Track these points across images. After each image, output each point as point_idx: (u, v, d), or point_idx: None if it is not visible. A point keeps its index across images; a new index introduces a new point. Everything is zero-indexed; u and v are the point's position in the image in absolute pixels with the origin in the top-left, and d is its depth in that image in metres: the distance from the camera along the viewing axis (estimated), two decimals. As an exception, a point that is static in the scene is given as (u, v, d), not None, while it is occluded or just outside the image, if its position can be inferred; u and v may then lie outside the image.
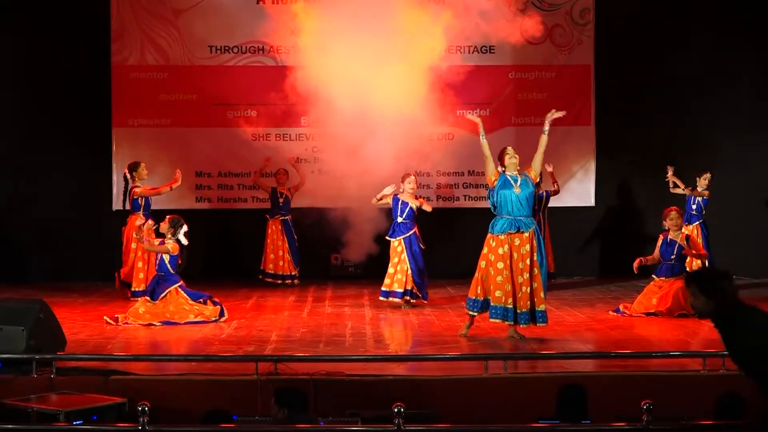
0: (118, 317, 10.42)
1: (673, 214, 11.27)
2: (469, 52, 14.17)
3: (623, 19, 14.20)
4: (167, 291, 10.52)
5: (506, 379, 7.68)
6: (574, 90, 14.47)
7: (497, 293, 9.33)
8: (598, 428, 6.33)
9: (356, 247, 13.46)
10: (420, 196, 12.08)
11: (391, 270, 11.58)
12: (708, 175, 13.02)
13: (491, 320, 9.44)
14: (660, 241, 11.24)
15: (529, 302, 9.31)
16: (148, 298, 10.59)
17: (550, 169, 13.30)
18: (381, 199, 11.79)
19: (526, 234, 9.33)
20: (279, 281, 13.46)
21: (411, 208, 11.63)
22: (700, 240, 12.81)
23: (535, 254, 9.33)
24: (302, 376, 7.47)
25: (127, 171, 12.35)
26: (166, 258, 10.59)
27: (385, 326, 10.53)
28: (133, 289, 11.81)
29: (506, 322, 9.38)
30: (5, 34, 14.05)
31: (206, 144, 14.25)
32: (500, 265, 9.31)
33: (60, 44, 14.04)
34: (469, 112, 9.74)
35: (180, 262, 10.63)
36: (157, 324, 10.29)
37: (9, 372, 7.70)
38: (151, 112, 14.23)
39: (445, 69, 12.68)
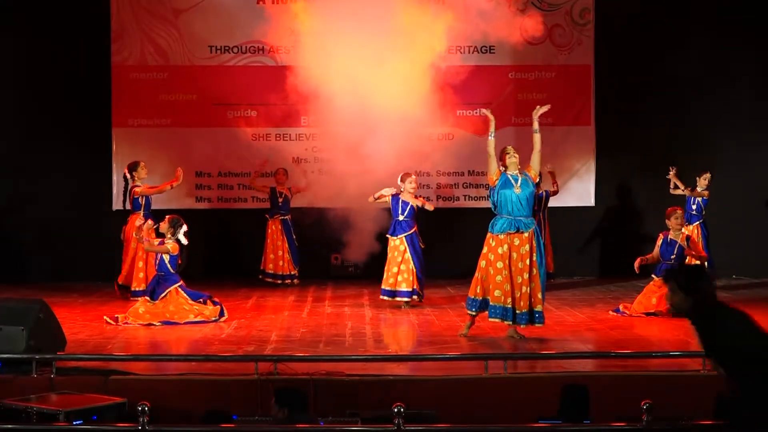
0: (117, 317, 10.42)
1: (679, 212, 11.28)
2: (469, 52, 14.17)
3: (623, 19, 14.20)
4: (167, 291, 10.52)
5: (506, 379, 7.68)
6: (574, 90, 14.47)
7: (496, 293, 9.33)
8: (598, 428, 6.33)
9: (356, 247, 13.45)
10: (420, 196, 12.07)
11: (394, 269, 11.56)
12: (708, 176, 13.02)
13: (490, 320, 9.44)
14: (660, 241, 11.23)
15: (528, 302, 9.31)
16: (147, 298, 10.59)
17: (550, 169, 13.30)
18: (378, 198, 11.78)
19: (526, 234, 9.33)
20: (279, 281, 13.46)
21: (412, 206, 11.63)
22: (699, 240, 12.82)
23: (534, 254, 9.33)
24: (302, 376, 7.47)
25: (126, 171, 12.37)
26: (166, 258, 10.59)
27: (385, 326, 10.52)
28: (133, 289, 11.82)
29: (505, 322, 9.38)
30: (5, 34, 14.05)
31: (206, 144, 14.25)
32: (500, 264, 9.31)
33: (60, 44, 14.04)
34: (483, 110, 9.70)
35: (180, 262, 10.63)
36: (157, 324, 10.29)
37: (9, 372, 7.70)
38: (151, 112, 14.23)
39: (445, 69, 12.70)
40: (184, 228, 10.69)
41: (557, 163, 13.69)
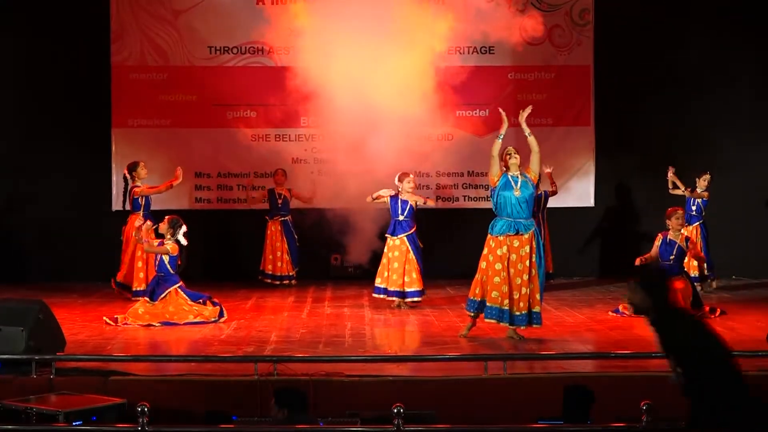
0: (117, 318, 10.42)
1: (680, 213, 11.27)
2: (468, 53, 14.16)
3: (623, 19, 14.20)
4: (167, 292, 10.52)
5: (506, 379, 7.68)
6: (573, 90, 14.47)
7: (493, 294, 9.35)
8: (598, 428, 6.33)
9: (356, 248, 13.45)
10: (419, 194, 12.06)
11: (400, 270, 11.54)
12: (707, 177, 13.02)
13: (486, 320, 9.46)
14: (659, 241, 11.22)
15: (527, 303, 9.32)
16: (147, 299, 10.59)
17: (549, 170, 13.30)
18: (376, 198, 11.78)
19: (526, 236, 9.34)
20: (277, 282, 13.47)
21: (411, 206, 11.63)
22: (699, 241, 12.82)
23: (533, 256, 9.34)
24: (302, 377, 7.48)
25: (126, 171, 12.37)
26: (166, 259, 10.59)
27: (385, 327, 10.52)
28: (134, 289, 11.82)
29: (501, 323, 9.40)
30: (5, 34, 14.05)
31: (206, 145, 14.25)
32: (498, 266, 9.32)
33: (60, 44, 14.04)
34: (500, 110, 9.68)
35: (179, 262, 10.63)
36: (157, 324, 10.29)
37: (8, 372, 7.70)
38: (150, 112, 14.23)
39: (444, 69, 12.69)
40: (184, 229, 10.69)
41: (557, 163, 13.68)
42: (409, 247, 11.57)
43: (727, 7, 14.25)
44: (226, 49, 14.24)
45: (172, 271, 10.60)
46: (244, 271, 13.90)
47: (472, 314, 9.54)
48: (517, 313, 9.33)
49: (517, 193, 9.34)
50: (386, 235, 11.79)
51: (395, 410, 6.03)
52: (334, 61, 12.27)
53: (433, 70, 12.28)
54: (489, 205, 9.65)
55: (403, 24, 12.17)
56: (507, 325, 9.39)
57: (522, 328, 9.40)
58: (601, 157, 14.52)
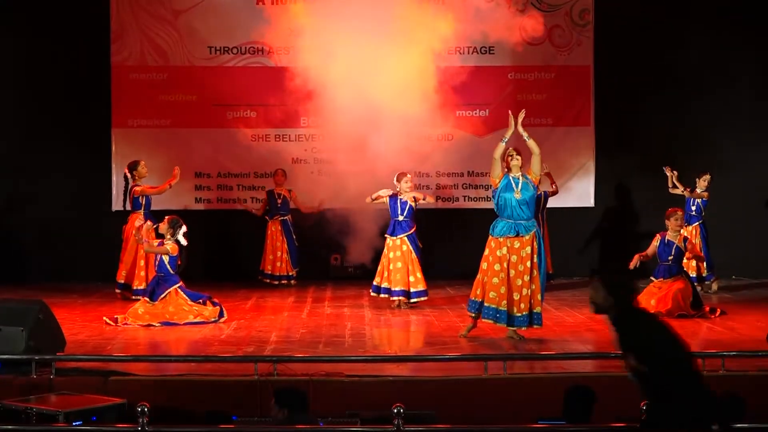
0: (117, 318, 10.42)
1: (679, 214, 11.28)
2: (468, 53, 14.16)
3: (623, 19, 14.19)
4: (167, 292, 10.52)
5: (505, 379, 7.69)
6: (573, 91, 14.47)
7: (491, 294, 9.38)
8: (598, 429, 6.33)
9: (356, 248, 13.45)
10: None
11: (404, 270, 11.53)
12: (707, 177, 13.01)
13: (483, 320, 9.48)
14: (657, 241, 11.23)
15: (528, 304, 9.33)
16: (147, 299, 10.59)
17: (545, 170, 13.27)
18: (376, 199, 11.78)
19: (527, 237, 9.36)
20: (276, 282, 13.47)
21: (411, 206, 11.63)
22: (698, 241, 12.82)
23: (534, 256, 9.36)
24: (302, 377, 7.48)
25: (127, 170, 12.36)
26: (166, 259, 10.59)
27: (385, 327, 10.52)
28: (134, 288, 11.82)
29: (498, 324, 9.42)
30: (5, 34, 14.05)
31: (206, 145, 14.25)
32: (497, 267, 9.34)
33: (60, 44, 14.04)
34: (510, 113, 9.67)
35: (179, 262, 10.63)
36: (157, 325, 10.29)
37: (8, 372, 7.70)
38: (150, 112, 14.23)
39: (444, 69, 12.68)
40: (184, 229, 10.69)
41: (557, 163, 13.68)
42: (411, 247, 11.58)
43: (726, 7, 14.25)
44: (226, 49, 14.24)
45: (171, 272, 10.60)
46: (244, 271, 13.91)
47: (473, 315, 9.55)
48: (518, 315, 9.33)
49: (517, 196, 9.36)
50: (386, 235, 11.79)
51: (395, 410, 6.03)
52: (334, 61, 12.27)
53: (433, 70, 12.28)
54: (489, 205, 9.67)
55: (403, 24, 12.17)
56: (503, 325, 9.41)
57: (523, 329, 9.40)
58: (601, 158, 14.52)
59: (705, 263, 12.64)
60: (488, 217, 9.65)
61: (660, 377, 5.04)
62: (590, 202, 14.61)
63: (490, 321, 9.43)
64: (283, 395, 6.36)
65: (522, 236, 9.35)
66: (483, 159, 13.80)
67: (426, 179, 14.15)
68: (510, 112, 9.69)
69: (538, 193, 12.97)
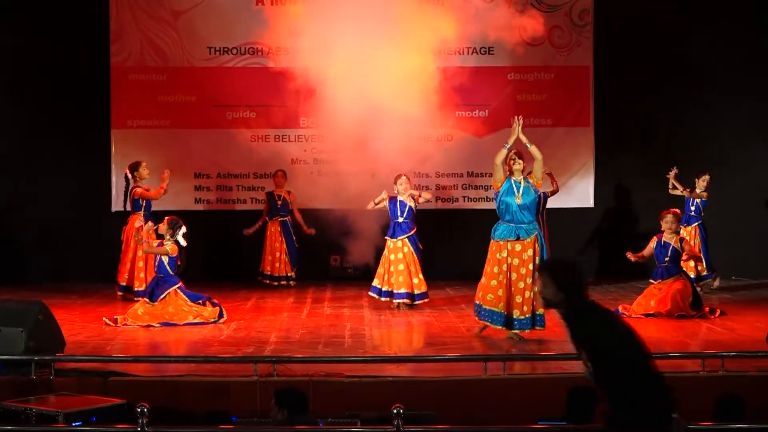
0: (117, 318, 10.42)
1: (669, 217, 11.27)
2: (468, 54, 14.16)
3: (622, 19, 14.20)
4: (166, 292, 10.52)
5: (505, 380, 7.68)
6: (573, 91, 14.47)
7: (488, 297, 9.45)
8: (599, 429, 6.32)
9: (355, 248, 13.44)
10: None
11: (406, 272, 11.51)
12: (707, 177, 13.02)
13: (479, 320, 9.52)
14: (653, 243, 11.25)
15: (531, 307, 9.34)
16: (147, 300, 10.59)
17: (546, 171, 13.27)
18: (378, 203, 11.78)
19: (528, 239, 9.40)
20: (275, 282, 13.47)
21: (410, 207, 11.63)
22: (698, 241, 12.83)
23: (537, 259, 9.40)
24: (301, 378, 7.48)
25: (128, 170, 12.35)
26: (165, 259, 10.58)
27: (384, 327, 10.52)
28: (135, 289, 11.81)
29: (494, 326, 9.44)
30: (5, 34, 14.04)
31: (205, 145, 14.24)
32: (496, 269, 9.40)
33: (60, 44, 14.04)
34: (517, 117, 9.67)
35: (179, 263, 10.62)
36: (156, 325, 10.29)
37: (8, 373, 7.70)
38: (150, 113, 14.23)
39: (444, 70, 12.69)
40: (183, 229, 10.68)
41: (556, 164, 13.65)
42: (412, 249, 11.57)
43: (726, 8, 14.25)
44: (226, 49, 14.24)
45: (171, 272, 10.60)
46: (244, 272, 13.91)
47: (478, 318, 9.63)
48: (521, 317, 9.35)
49: (518, 201, 9.44)
50: (386, 237, 11.78)
51: (395, 411, 6.03)
52: (334, 61, 12.28)
53: (432, 71, 12.28)
54: (489, 205, 9.73)
55: (402, 25, 12.17)
56: (500, 328, 9.44)
57: (526, 331, 9.42)
58: (600, 158, 14.52)
59: (704, 263, 12.65)
60: (488, 217, 9.67)
61: (613, 374, 4.96)
62: (590, 203, 14.61)
63: (488, 323, 9.47)
64: (282, 396, 6.36)
65: (523, 239, 9.40)
66: (483, 159, 13.85)
67: (426, 180, 14.14)
68: (515, 118, 9.69)
69: (539, 193, 13.04)
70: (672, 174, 13.21)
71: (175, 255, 10.58)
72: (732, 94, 14.28)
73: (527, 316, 9.37)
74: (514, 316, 9.37)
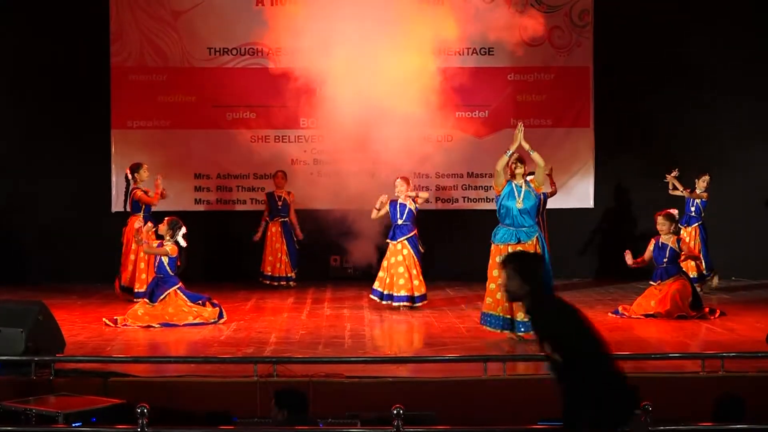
0: (117, 319, 10.42)
1: (660, 219, 11.29)
2: (468, 54, 14.16)
3: (622, 20, 14.21)
4: (166, 293, 10.52)
5: (505, 380, 7.68)
6: (573, 92, 14.47)
7: (488, 300, 9.51)
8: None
9: (355, 249, 13.45)
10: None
11: (406, 274, 11.51)
12: (707, 178, 13.02)
13: (481, 326, 9.55)
14: (651, 245, 11.25)
15: None
16: (147, 300, 10.58)
17: (547, 171, 13.27)
18: (380, 210, 11.79)
19: (528, 243, 9.43)
20: (276, 283, 13.48)
21: (410, 209, 11.63)
22: (698, 242, 12.83)
23: (539, 260, 9.41)
24: (301, 378, 7.48)
25: (129, 171, 12.34)
26: (165, 260, 10.58)
27: (384, 328, 10.52)
28: (136, 290, 11.81)
29: (494, 330, 9.46)
30: (5, 34, 14.05)
31: (205, 146, 14.24)
32: (495, 273, 9.41)
33: (60, 44, 14.04)
34: (519, 123, 9.68)
35: (179, 264, 10.62)
36: (156, 326, 10.29)
37: (8, 374, 7.70)
38: (150, 113, 14.23)
39: (444, 71, 12.69)
40: (183, 230, 10.68)
41: (556, 164, 13.63)
42: (411, 251, 11.57)
43: (726, 8, 14.26)
44: (226, 50, 14.24)
45: (171, 273, 10.59)
46: (244, 273, 13.91)
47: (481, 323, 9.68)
48: (525, 319, 9.36)
49: (519, 205, 9.49)
50: (387, 240, 11.78)
51: (395, 411, 6.03)
52: (334, 62, 12.28)
53: (432, 71, 12.29)
54: (489, 206, 9.75)
55: (402, 25, 12.18)
56: (498, 331, 9.46)
57: (530, 333, 9.42)
58: (600, 158, 14.52)
59: (704, 263, 12.65)
60: (488, 218, 9.68)
61: (576, 368, 4.95)
62: (590, 203, 14.61)
63: (488, 327, 9.49)
64: (282, 396, 6.36)
65: (524, 242, 9.44)
66: (483, 160, 13.87)
67: (426, 180, 14.14)
68: (520, 124, 9.71)
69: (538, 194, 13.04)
70: (672, 175, 13.20)
71: (174, 256, 10.58)
72: (732, 94, 14.29)
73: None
74: (518, 319, 9.38)
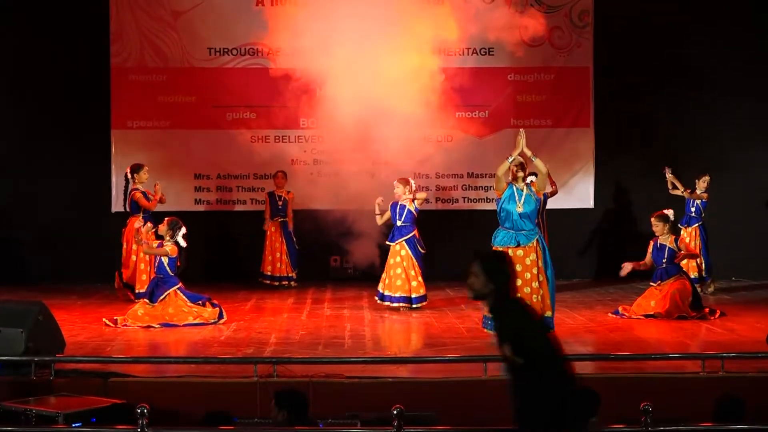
0: (117, 319, 10.42)
1: (653, 220, 11.32)
2: (468, 54, 14.16)
3: (622, 20, 14.21)
4: (166, 293, 10.51)
5: (505, 381, 7.66)
6: (573, 92, 14.47)
7: None
8: (599, 430, 6.32)
9: (355, 249, 13.45)
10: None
11: (403, 275, 11.51)
12: (707, 178, 13.01)
13: (484, 329, 9.57)
14: (651, 247, 11.26)
15: (540, 309, 9.36)
16: (147, 301, 10.58)
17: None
18: (381, 214, 11.79)
19: (529, 245, 9.46)
20: (276, 283, 13.48)
21: (409, 210, 11.63)
22: (698, 242, 12.82)
23: (540, 262, 9.43)
24: (301, 378, 7.48)
25: (129, 171, 12.33)
26: (165, 260, 10.58)
27: (384, 328, 10.52)
28: (136, 291, 11.81)
29: (490, 331, 9.46)
30: (5, 34, 14.05)
31: (205, 146, 14.24)
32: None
33: (60, 44, 14.04)
34: (521, 131, 9.71)
35: (179, 264, 10.62)
36: (156, 326, 10.29)
37: (8, 374, 7.70)
38: (150, 113, 14.23)
39: (444, 71, 12.68)
40: (183, 230, 10.68)
41: (556, 165, 13.65)
42: (410, 252, 11.56)
43: (726, 9, 14.26)
44: (226, 50, 14.24)
45: (171, 273, 10.59)
46: (244, 273, 13.90)
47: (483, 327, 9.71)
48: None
49: (519, 209, 9.54)
50: (387, 242, 11.78)
51: (395, 412, 6.03)
52: (334, 62, 12.28)
53: (432, 72, 12.28)
54: (489, 206, 9.76)
55: (402, 25, 12.18)
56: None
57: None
58: (600, 159, 14.52)
59: (704, 263, 12.65)
60: (488, 218, 9.69)
61: (533, 370, 4.96)
62: (590, 204, 14.61)
63: (488, 330, 9.51)
64: (282, 397, 6.36)
65: (524, 245, 9.46)
66: (483, 160, 13.88)
67: (426, 180, 14.13)
68: (521, 130, 9.71)
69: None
70: (669, 174, 13.18)
71: (174, 256, 10.58)
72: (732, 95, 14.29)
73: None
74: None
